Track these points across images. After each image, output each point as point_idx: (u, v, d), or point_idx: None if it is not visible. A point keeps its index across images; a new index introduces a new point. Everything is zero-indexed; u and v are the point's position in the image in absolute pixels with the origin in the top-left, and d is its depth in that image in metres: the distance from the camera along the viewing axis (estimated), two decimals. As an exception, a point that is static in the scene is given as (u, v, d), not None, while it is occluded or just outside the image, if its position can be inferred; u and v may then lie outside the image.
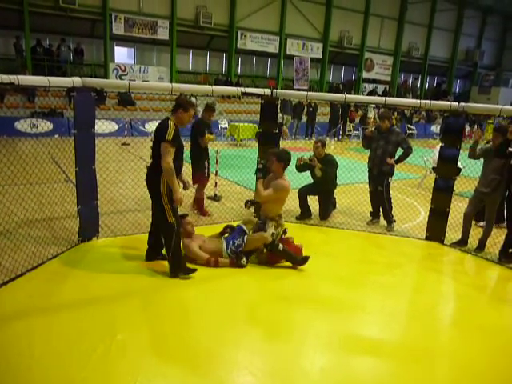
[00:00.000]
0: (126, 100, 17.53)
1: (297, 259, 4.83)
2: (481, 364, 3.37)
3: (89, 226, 5.25)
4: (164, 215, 4.39)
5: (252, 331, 3.61)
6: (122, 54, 20.77)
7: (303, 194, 6.69)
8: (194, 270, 4.47)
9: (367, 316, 3.98)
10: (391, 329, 3.83)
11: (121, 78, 18.56)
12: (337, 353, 3.40)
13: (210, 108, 6.71)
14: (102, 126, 13.35)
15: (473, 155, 5.77)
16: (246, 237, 4.86)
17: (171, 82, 19.11)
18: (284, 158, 4.98)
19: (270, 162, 5.04)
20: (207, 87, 6.03)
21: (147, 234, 4.88)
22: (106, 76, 18.28)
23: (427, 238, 6.08)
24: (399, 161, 6.25)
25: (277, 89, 7.99)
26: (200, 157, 6.54)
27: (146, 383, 2.91)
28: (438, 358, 3.38)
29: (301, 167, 6.55)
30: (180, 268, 4.43)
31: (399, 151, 6.28)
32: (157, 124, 4.55)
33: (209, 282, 4.44)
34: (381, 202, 6.42)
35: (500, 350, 3.60)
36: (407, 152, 6.19)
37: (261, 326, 3.71)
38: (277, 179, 4.97)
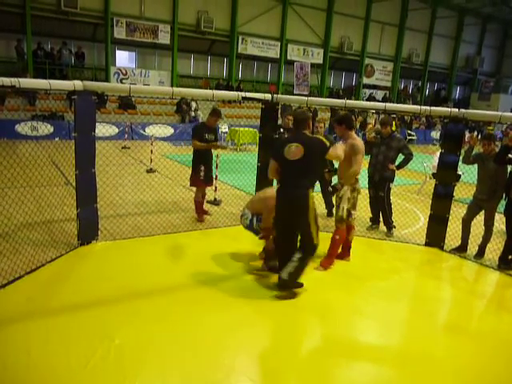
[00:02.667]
0: (126, 104, 17.57)
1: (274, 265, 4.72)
2: (479, 370, 3.36)
3: (88, 230, 5.24)
4: (308, 229, 4.24)
5: (251, 336, 3.60)
6: (124, 58, 20.82)
7: None
8: (302, 285, 4.32)
9: (366, 321, 3.97)
10: (390, 334, 3.82)
11: (122, 82, 18.60)
12: (336, 358, 3.39)
13: (215, 112, 6.50)
14: (103, 129, 13.37)
15: (467, 161, 5.79)
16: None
17: (172, 86, 19.15)
18: (343, 120, 5.00)
19: (336, 130, 5.10)
20: (208, 91, 6.04)
21: (147, 238, 4.86)
22: (107, 80, 18.32)
23: (427, 244, 6.07)
24: (400, 167, 6.28)
25: (277, 94, 8.01)
26: (195, 160, 6.44)
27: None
28: (436, 365, 3.37)
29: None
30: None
31: (399, 157, 6.30)
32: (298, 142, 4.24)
33: (207, 285, 4.43)
34: (381, 207, 6.42)
35: (499, 356, 3.59)
36: (408, 158, 6.23)
37: (260, 331, 3.69)
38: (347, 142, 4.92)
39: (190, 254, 5.27)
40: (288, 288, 4.26)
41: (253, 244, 5.48)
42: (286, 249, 4.33)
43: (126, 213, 6.61)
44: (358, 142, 4.96)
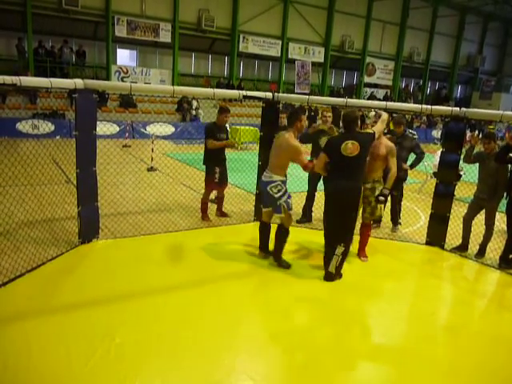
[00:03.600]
0: (127, 102, 17.58)
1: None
2: (480, 370, 3.36)
3: (89, 228, 5.25)
4: (353, 224, 4.71)
5: (252, 335, 3.60)
6: (124, 57, 20.81)
7: (313, 192, 6.70)
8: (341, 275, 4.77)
9: (367, 320, 3.97)
10: (391, 334, 3.82)
11: (123, 80, 18.60)
12: (338, 357, 3.39)
13: (223, 109, 6.38)
14: (104, 127, 13.36)
15: (468, 160, 5.79)
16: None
17: (173, 84, 19.15)
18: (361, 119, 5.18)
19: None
20: (209, 90, 6.05)
21: (147, 236, 4.87)
22: (107, 78, 18.31)
23: (427, 243, 6.07)
24: (413, 166, 6.43)
25: (278, 92, 8.00)
26: (209, 161, 6.35)
27: (145, 386, 2.91)
28: (437, 364, 3.37)
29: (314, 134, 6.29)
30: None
31: (410, 156, 6.35)
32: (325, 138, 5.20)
33: (209, 284, 4.43)
34: (392, 205, 6.51)
35: (499, 356, 3.59)
36: (420, 157, 6.32)
37: (260, 331, 3.70)
38: (381, 143, 5.16)
39: (191, 252, 5.27)
40: (333, 279, 4.67)
41: (254, 242, 5.48)
42: (334, 237, 4.71)
43: (127, 211, 6.61)
44: (386, 141, 5.29)
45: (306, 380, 3.10)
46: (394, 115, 6.85)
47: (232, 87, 20.30)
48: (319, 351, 3.45)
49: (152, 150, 10.17)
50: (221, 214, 6.81)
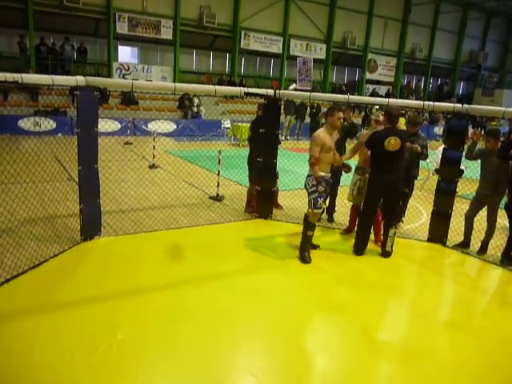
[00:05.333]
0: (129, 99, 17.55)
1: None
2: (480, 366, 3.36)
3: (91, 225, 5.26)
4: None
5: (252, 331, 3.61)
6: (126, 54, 20.77)
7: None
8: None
9: (368, 316, 3.97)
10: (392, 330, 3.82)
11: (124, 78, 18.58)
12: (337, 352, 3.40)
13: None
14: (105, 125, 13.38)
15: (470, 156, 5.76)
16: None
17: (174, 81, 19.13)
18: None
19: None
20: (210, 87, 6.03)
21: (149, 233, 4.86)
22: (109, 75, 18.30)
23: (429, 240, 6.06)
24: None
25: (280, 89, 8.00)
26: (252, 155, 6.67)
27: (147, 383, 2.91)
28: (438, 360, 3.37)
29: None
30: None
31: None
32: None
33: (210, 281, 4.44)
34: (402, 202, 6.42)
35: (500, 352, 3.60)
36: (424, 158, 6.20)
37: (260, 326, 3.70)
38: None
39: (193, 249, 5.28)
40: (389, 256, 5.39)
41: (256, 238, 5.49)
42: (369, 222, 5.42)
43: (129, 208, 6.62)
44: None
45: (308, 375, 3.11)
46: (409, 113, 6.79)
47: (233, 84, 20.26)
48: (320, 345, 3.46)
49: (153, 147, 10.18)
50: (276, 205, 6.97)
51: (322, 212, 5.59)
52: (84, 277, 4.34)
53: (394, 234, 5.41)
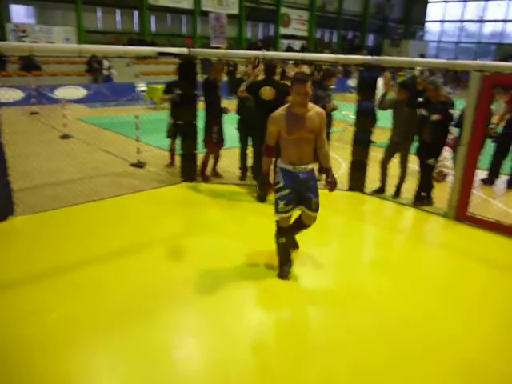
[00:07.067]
0: (30, 64, 16.02)
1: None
2: (401, 302, 3.69)
3: (2, 205, 4.86)
4: None
5: (189, 293, 3.63)
6: (21, 14, 18.80)
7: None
8: None
9: (296, 269, 4.14)
10: (319, 277, 4.04)
11: (21, 41, 16.89)
12: (273, 305, 3.54)
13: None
14: (6, 94, 12.17)
15: (381, 106, 6.06)
16: None
17: (79, 42, 17.75)
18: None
19: None
20: (119, 48, 5.68)
21: (69, 208, 4.62)
22: (3, 38, 16.53)
23: (350, 189, 6.39)
24: None
25: (194, 47, 7.74)
26: (208, 121, 6.27)
27: (90, 358, 2.85)
28: (364, 300, 3.64)
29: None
30: None
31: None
32: None
33: (144, 250, 4.36)
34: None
35: (415, 286, 3.96)
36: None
37: (197, 288, 3.74)
38: None
39: (119, 219, 5.12)
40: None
41: (183, 203, 5.43)
42: None
43: (43, 183, 6.20)
44: None
45: (249, 331, 3.22)
46: (324, 67, 6.86)
47: (145, 44, 19.25)
48: (257, 302, 3.58)
49: (64, 115, 9.50)
50: (214, 173, 6.74)
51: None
52: (4, 260, 4.05)
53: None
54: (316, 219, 3.85)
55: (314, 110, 3.66)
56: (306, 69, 6.45)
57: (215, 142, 6.34)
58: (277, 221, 3.86)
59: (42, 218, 5.06)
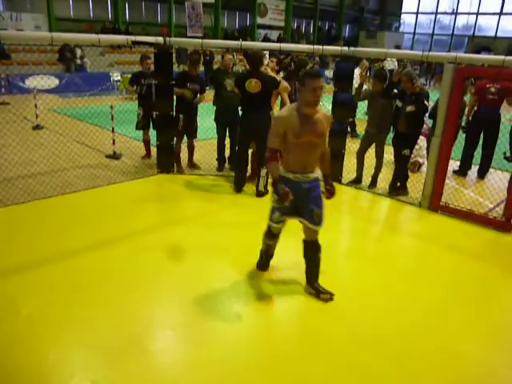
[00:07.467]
0: (-2, 53, 15.48)
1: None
2: (377, 289, 3.77)
3: (-29, 198, 4.72)
4: None
5: (169, 286, 3.61)
6: (-14, -1, 18.11)
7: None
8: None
9: (276, 257, 4.16)
10: (295, 265, 4.08)
11: (-12, 28, 16.26)
12: (251, 297, 3.56)
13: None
14: (-27, 83, 11.74)
15: (357, 97, 6.12)
16: None
17: (50, 30, 17.21)
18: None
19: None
20: (92, 36, 5.53)
21: (42, 201, 4.51)
22: (-32, 25, 15.88)
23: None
24: None
25: (170, 37, 7.61)
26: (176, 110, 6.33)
27: (62, 355, 2.80)
28: (341, 288, 3.69)
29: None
30: None
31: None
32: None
33: (118, 242, 4.30)
34: None
35: (390, 273, 4.05)
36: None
37: (176, 280, 3.72)
38: None
39: (94, 212, 5.03)
40: (263, 196, 5.57)
41: (158, 195, 5.37)
42: (241, 161, 5.76)
43: (15, 176, 6.03)
44: None
45: (227, 323, 3.23)
46: (299, 57, 6.87)
47: (119, 32, 18.79)
48: (232, 294, 3.58)
49: (35, 105, 9.22)
50: (191, 165, 6.71)
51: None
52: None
53: (267, 173, 5.47)
54: (318, 233, 3.52)
55: (322, 112, 3.32)
56: (273, 63, 6.42)
57: (180, 130, 6.37)
58: (269, 226, 3.66)
59: (14, 211, 4.92)
